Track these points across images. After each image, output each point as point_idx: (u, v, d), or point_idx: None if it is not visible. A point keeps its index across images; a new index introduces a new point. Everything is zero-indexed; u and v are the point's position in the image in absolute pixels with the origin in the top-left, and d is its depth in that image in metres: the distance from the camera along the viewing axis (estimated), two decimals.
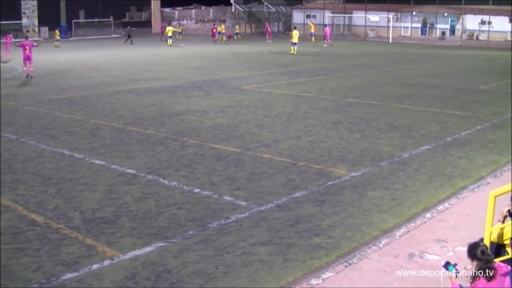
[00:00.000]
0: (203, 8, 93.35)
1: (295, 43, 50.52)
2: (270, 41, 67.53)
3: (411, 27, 77.15)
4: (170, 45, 60.61)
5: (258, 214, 11.56)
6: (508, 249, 8.16)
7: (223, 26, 72.34)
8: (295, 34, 50.86)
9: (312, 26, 65.75)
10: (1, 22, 64.58)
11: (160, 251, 9.79)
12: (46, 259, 9.42)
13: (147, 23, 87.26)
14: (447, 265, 6.63)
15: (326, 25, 67.42)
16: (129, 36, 64.60)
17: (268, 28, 72.34)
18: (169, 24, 71.07)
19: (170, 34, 62.16)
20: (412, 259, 9.51)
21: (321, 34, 64.20)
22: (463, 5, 70.78)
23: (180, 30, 70.36)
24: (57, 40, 59.36)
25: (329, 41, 62.02)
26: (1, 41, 48.35)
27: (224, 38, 68.68)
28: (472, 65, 43.17)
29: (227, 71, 36.74)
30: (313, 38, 63.75)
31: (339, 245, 10.06)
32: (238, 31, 72.93)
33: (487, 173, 14.51)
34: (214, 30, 69.20)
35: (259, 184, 13.47)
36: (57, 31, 61.32)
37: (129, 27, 69.78)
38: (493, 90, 28.93)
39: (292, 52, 49.72)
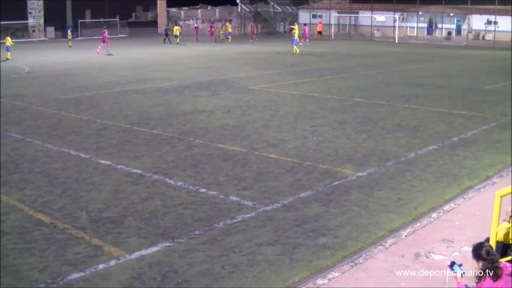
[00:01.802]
0: (209, 8, 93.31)
1: (295, 41, 52.16)
2: (251, 41, 68.44)
3: (417, 27, 77.14)
4: (178, 43, 61.95)
5: (264, 214, 11.57)
6: None
7: (229, 25, 72.54)
8: (296, 34, 52.93)
9: (296, 27, 66.67)
10: (7, 22, 64.77)
11: (167, 251, 9.81)
12: (53, 259, 9.44)
13: (153, 23, 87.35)
14: (452, 265, 6.63)
15: (305, 25, 70.14)
16: (166, 35, 65.46)
17: (254, 28, 73.12)
18: (177, 24, 71.43)
19: (177, 33, 63.50)
20: (418, 259, 9.50)
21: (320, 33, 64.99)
22: (469, 5, 70.64)
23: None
24: (69, 40, 59.60)
25: (306, 40, 63.92)
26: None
27: (230, 38, 68.90)
28: (479, 65, 43.09)
29: (234, 71, 36.76)
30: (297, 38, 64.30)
31: (345, 245, 10.06)
32: (223, 31, 72.00)
33: (493, 173, 14.48)
34: (212, 29, 69.90)
35: (266, 184, 13.47)
36: (69, 31, 61.60)
37: (167, 27, 70.40)
38: (500, 90, 28.85)
39: (295, 51, 50.32)
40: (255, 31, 73.23)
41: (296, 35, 52.40)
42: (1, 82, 30.20)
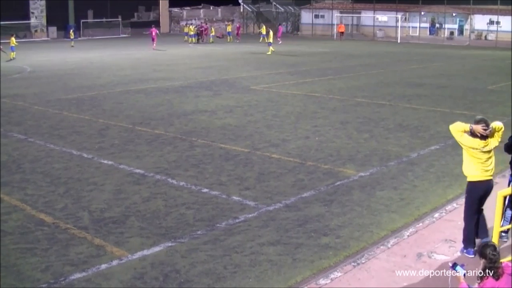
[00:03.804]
0: (211, 8, 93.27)
1: (271, 43, 52.16)
2: (238, 41, 68.66)
3: (419, 27, 77.05)
4: (191, 42, 64.78)
5: (266, 214, 11.56)
6: None
7: (230, 25, 72.71)
8: (271, 34, 53.15)
9: (264, 27, 67.13)
10: (10, 22, 64.83)
11: (169, 251, 9.81)
12: (55, 259, 9.45)
13: (156, 23, 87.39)
14: (454, 265, 6.64)
15: (280, 24, 72.40)
16: (198, 35, 66.66)
17: (239, 29, 73.25)
18: (191, 25, 71.84)
19: (191, 33, 65.69)
20: (421, 259, 9.50)
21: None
22: (471, 5, 70.66)
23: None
24: (72, 40, 59.61)
25: (278, 39, 64.51)
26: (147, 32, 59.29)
27: (230, 38, 69.02)
28: (481, 65, 43.06)
29: (235, 71, 36.76)
30: (263, 39, 63.76)
31: (347, 245, 10.06)
32: (213, 33, 70.99)
33: (495, 173, 14.44)
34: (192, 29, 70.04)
35: (268, 184, 13.46)
36: (71, 31, 61.64)
37: (199, 26, 70.72)
38: (502, 90, 28.83)
39: (269, 52, 50.40)
40: (240, 31, 73.04)
41: (271, 38, 52.54)
42: (2, 82, 30.25)
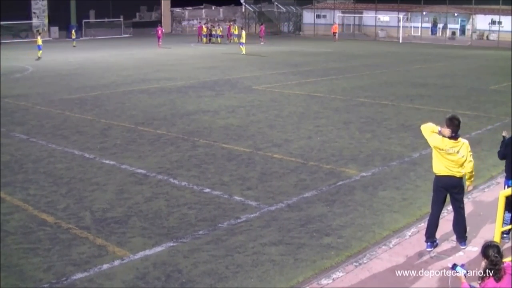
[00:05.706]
0: (213, 8, 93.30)
1: (243, 43, 51.91)
2: (228, 43, 68.18)
3: (421, 27, 76.96)
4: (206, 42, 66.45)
5: (268, 214, 11.57)
6: None
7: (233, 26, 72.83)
8: (244, 34, 53.20)
9: (236, 28, 68.23)
10: (12, 22, 64.92)
11: (171, 251, 9.81)
12: (57, 259, 9.46)
13: (158, 23, 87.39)
14: (454, 266, 6.65)
15: (262, 24, 72.45)
16: (210, 35, 67.53)
17: (230, 29, 72.90)
18: (212, 26, 72.12)
19: (204, 33, 67.24)
20: (423, 259, 9.50)
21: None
22: (473, 5, 70.56)
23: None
24: (74, 40, 59.64)
25: (261, 39, 65.62)
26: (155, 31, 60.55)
27: (232, 38, 69.10)
28: (483, 65, 43.00)
29: (238, 71, 36.75)
30: (235, 39, 64.46)
31: (349, 245, 10.06)
32: (220, 32, 69.79)
33: (497, 173, 14.44)
34: (204, 29, 69.64)
35: (270, 184, 13.47)
36: (73, 31, 61.69)
37: (212, 27, 70.93)
38: (504, 90, 28.79)
39: (243, 52, 50.28)
40: (231, 31, 72.78)
41: (244, 38, 52.29)
42: (5, 82, 30.29)
